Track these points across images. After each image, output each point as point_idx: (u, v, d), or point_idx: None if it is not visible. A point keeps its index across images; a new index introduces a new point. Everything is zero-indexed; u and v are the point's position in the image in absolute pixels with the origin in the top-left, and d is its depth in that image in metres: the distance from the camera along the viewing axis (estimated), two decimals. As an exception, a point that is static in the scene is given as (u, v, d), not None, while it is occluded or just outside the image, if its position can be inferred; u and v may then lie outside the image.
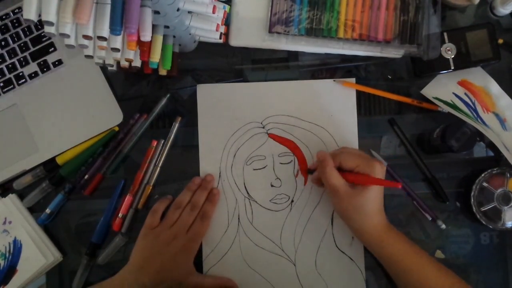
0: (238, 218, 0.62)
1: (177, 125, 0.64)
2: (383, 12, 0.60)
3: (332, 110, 0.63)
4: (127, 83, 0.66)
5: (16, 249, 0.62)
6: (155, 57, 0.54)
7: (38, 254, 0.61)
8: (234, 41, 0.64)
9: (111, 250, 0.62)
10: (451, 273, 0.53)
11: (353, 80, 0.63)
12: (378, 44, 0.61)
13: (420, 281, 0.52)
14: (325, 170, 0.54)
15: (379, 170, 0.53)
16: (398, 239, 0.55)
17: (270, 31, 0.62)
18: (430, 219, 0.60)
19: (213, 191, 0.62)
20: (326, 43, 0.61)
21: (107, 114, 0.64)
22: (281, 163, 0.63)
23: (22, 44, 0.66)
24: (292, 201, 0.62)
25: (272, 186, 0.63)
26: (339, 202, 0.54)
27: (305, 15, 0.61)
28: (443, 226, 0.60)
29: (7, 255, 0.62)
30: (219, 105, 0.64)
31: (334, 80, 0.63)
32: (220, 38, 0.61)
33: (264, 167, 0.63)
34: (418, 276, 0.52)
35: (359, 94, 0.63)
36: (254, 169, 0.63)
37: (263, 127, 0.64)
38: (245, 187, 0.63)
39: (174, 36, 0.57)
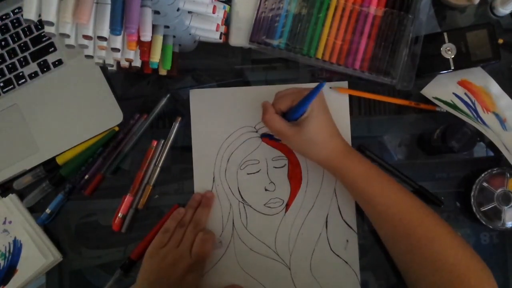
0: (233, 223, 0.62)
1: (177, 125, 0.64)
2: (364, 40, 0.60)
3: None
4: (127, 83, 0.66)
5: (16, 249, 0.62)
6: (155, 57, 0.54)
7: (38, 254, 0.61)
8: (234, 41, 0.64)
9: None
10: (413, 195, 0.53)
11: (345, 83, 0.63)
12: (355, 71, 0.61)
13: (382, 204, 0.52)
14: (265, 119, 0.55)
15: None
16: (358, 162, 0.54)
17: (251, 40, 0.62)
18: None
19: (206, 194, 0.62)
20: (305, 60, 0.62)
21: (107, 114, 0.64)
22: (275, 167, 0.63)
23: (22, 44, 0.66)
24: (287, 205, 0.62)
25: (266, 190, 0.62)
26: (290, 142, 0.55)
27: (288, 28, 0.62)
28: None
29: (7, 255, 0.62)
30: (212, 110, 0.64)
31: (330, 88, 0.63)
32: (220, 38, 0.61)
33: (258, 171, 0.63)
34: (380, 199, 0.52)
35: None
36: (248, 174, 0.63)
37: (256, 131, 0.63)
38: (239, 191, 0.63)
39: (174, 36, 0.57)
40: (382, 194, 0.52)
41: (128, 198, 0.63)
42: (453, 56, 0.60)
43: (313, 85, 0.52)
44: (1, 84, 0.66)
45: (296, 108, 0.53)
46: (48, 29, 0.44)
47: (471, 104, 0.62)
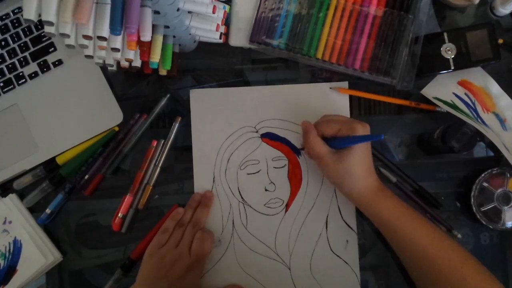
0: (233, 223, 0.62)
1: (177, 125, 0.64)
2: (364, 40, 0.60)
3: (325, 113, 0.62)
4: (127, 83, 0.66)
5: (16, 249, 0.62)
6: (155, 57, 0.54)
7: (38, 254, 0.61)
8: (234, 41, 0.64)
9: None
10: (444, 236, 0.52)
11: (345, 83, 0.63)
12: (354, 71, 0.61)
13: (413, 243, 0.52)
14: (308, 140, 0.54)
15: (361, 130, 0.52)
16: (390, 200, 0.54)
17: (251, 40, 0.62)
18: (445, 230, 0.60)
19: (206, 194, 0.62)
20: (305, 60, 0.62)
21: (107, 114, 0.64)
22: (275, 167, 0.62)
23: (22, 44, 0.66)
24: (287, 205, 0.62)
25: (266, 190, 0.62)
26: (326, 169, 0.54)
27: (288, 28, 0.61)
28: (459, 235, 0.59)
29: (7, 255, 0.62)
30: (212, 110, 0.64)
31: (330, 88, 0.63)
32: (220, 38, 0.61)
33: (258, 172, 0.63)
34: (410, 237, 0.52)
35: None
36: (248, 174, 0.63)
37: (257, 132, 0.63)
38: (239, 191, 0.63)
39: (174, 36, 0.57)
40: (412, 234, 0.52)
41: (128, 198, 0.63)
42: (453, 56, 0.60)
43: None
44: (1, 84, 0.66)
45: (343, 141, 0.53)
46: (48, 29, 0.44)
47: (471, 104, 0.62)
